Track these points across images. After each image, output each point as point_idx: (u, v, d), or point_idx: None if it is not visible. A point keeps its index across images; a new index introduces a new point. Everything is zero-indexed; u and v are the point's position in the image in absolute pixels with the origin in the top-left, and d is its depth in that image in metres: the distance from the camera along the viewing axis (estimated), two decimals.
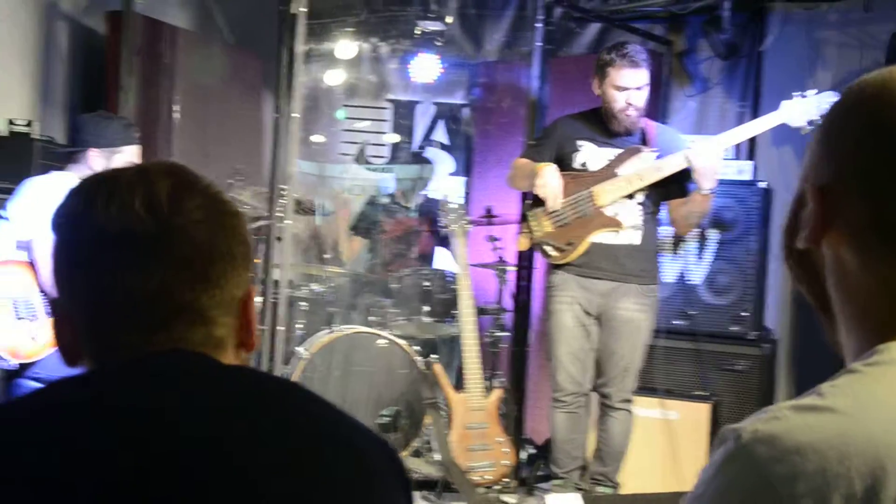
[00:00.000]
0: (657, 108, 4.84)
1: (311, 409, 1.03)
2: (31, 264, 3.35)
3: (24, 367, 3.32)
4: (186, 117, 5.32)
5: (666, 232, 4.26)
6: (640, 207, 3.87)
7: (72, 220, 1.05)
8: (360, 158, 6.60)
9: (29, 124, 4.44)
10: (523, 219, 4.09)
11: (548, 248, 3.95)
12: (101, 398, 0.95)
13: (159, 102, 5.20)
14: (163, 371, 0.99)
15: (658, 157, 3.82)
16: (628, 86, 3.75)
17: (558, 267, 3.96)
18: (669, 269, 4.59)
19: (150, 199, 1.01)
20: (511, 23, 5.89)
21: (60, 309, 1.06)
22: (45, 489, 0.88)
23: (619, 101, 3.78)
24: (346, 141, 6.60)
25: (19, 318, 3.29)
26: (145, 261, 1.00)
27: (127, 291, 1.00)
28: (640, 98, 3.78)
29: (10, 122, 4.41)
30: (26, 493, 0.88)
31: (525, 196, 4.20)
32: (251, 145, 5.87)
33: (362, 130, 6.58)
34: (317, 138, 6.40)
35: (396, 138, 6.54)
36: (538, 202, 3.92)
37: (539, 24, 4.77)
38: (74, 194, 1.07)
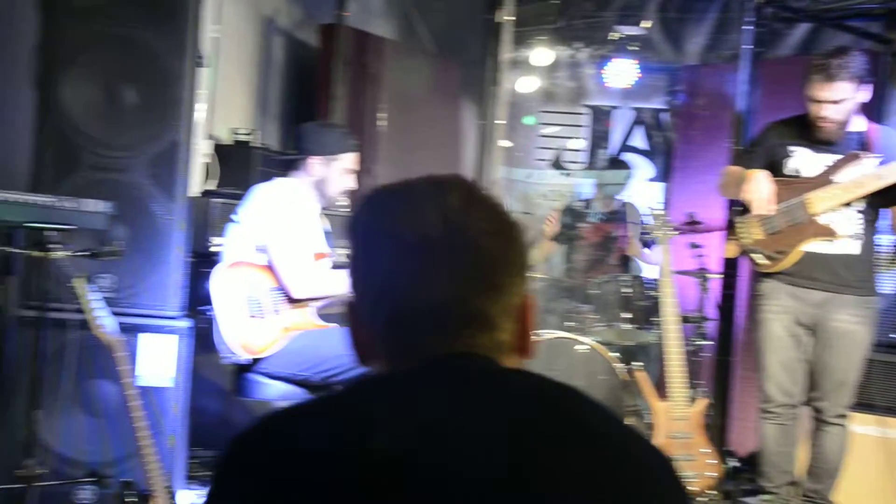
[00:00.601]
0: (874, 110, 4.61)
1: (592, 415, 1.05)
2: (269, 266, 3.56)
3: (254, 363, 3.54)
4: (390, 125, 5.50)
5: (885, 241, 4.05)
6: (860, 216, 3.71)
7: (368, 229, 1.11)
8: (557, 164, 6.63)
9: (250, 133, 4.71)
10: (732, 226, 4.00)
11: (757, 257, 3.84)
12: (399, 399, 1.01)
13: (365, 111, 5.41)
14: (458, 373, 1.04)
15: (881, 164, 3.64)
16: (822, 99, 3.60)
17: (768, 275, 3.84)
18: (888, 280, 4.35)
19: (444, 210, 1.06)
20: (714, 25, 5.77)
21: (355, 312, 1.13)
22: (337, 486, 0.94)
23: (813, 111, 3.65)
24: (542, 147, 6.65)
25: (251, 316, 3.51)
26: (439, 269, 1.05)
27: (421, 298, 1.05)
28: (837, 112, 3.60)
29: (234, 132, 4.70)
30: (318, 487, 0.95)
31: (733, 203, 4.10)
32: (450, 152, 6.01)
33: (560, 136, 6.60)
34: (509, 143, 6.46)
35: (582, 144, 6.53)
36: (748, 209, 3.82)
37: (748, 27, 4.64)
38: (369, 204, 1.13)
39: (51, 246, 2.75)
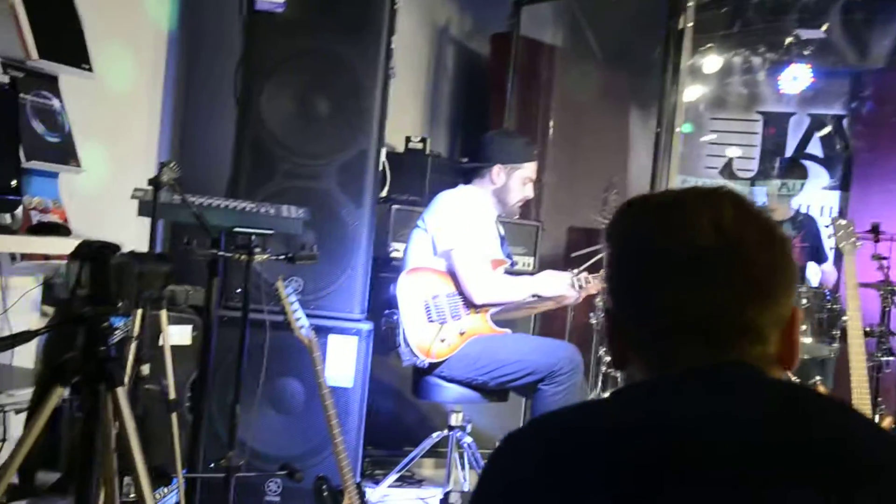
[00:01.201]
0: None
1: (866, 432, 1.04)
2: (450, 273, 3.63)
3: (432, 367, 3.62)
4: (558, 132, 5.51)
5: None
6: None
7: (634, 239, 1.13)
8: (728, 172, 6.47)
9: (423, 141, 4.81)
10: None
11: None
12: (672, 404, 1.02)
13: (536, 118, 5.44)
14: (732, 381, 1.04)
15: None
16: None
17: None
18: None
19: (718, 221, 1.07)
20: None
21: (615, 320, 1.15)
22: (603, 482, 0.96)
23: None
24: (712, 154, 6.51)
25: (430, 321, 3.59)
26: (713, 281, 1.06)
27: (694, 309, 1.06)
28: None
29: (407, 140, 4.81)
30: (582, 484, 0.97)
31: None
32: (618, 159, 5.96)
33: (730, 143, 6.45)
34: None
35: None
36: None
37: None
38: (633, 214, 1.15)
39: (255, 250, 2.89)
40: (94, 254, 1.95)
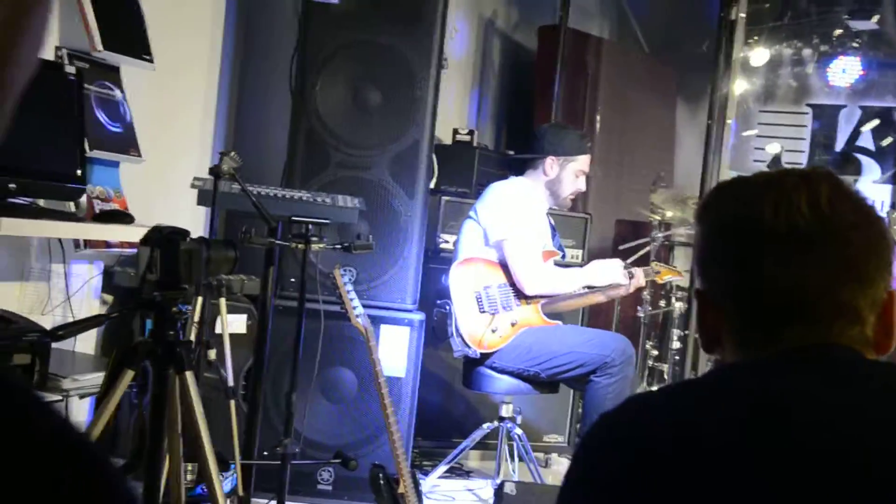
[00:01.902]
0: None
1: None
2: (501, 264, 3.64)
3: (484, 357, 3.62)
4: (606, 126, 5.49)
5: None
6: None
7: (733, 216, 1.12)
8: (775, 166, 6.41)
9: (470, 133, 4.81)
10: None
11: None
12: (773, 384, 1.01)
13: (583, 112, 5.42)
14: (834, 363, 1.04)
15: None
16: None
17: None
18: None
19: (814, 200, 1.06)
20: None
21: (705, 299, 1.14)
22: (699, 462, 0.96)
23: None
24: (760, 147, 6.45)
25: (482, 312, 3.60)
26: (809, 260, 1.05)
27: (790, 289, 1.06)
28: None
29: (455, 132, 4.81)
30: (677, 462, 0.97)
31: None
32: (665, 153, 5.93)
33: (780, 137, 6.38)
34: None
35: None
36: None
37: None
38: (726, 194, 1.15)
39: (312, 239, 2.91)
40: (166, 239, 1.98)
